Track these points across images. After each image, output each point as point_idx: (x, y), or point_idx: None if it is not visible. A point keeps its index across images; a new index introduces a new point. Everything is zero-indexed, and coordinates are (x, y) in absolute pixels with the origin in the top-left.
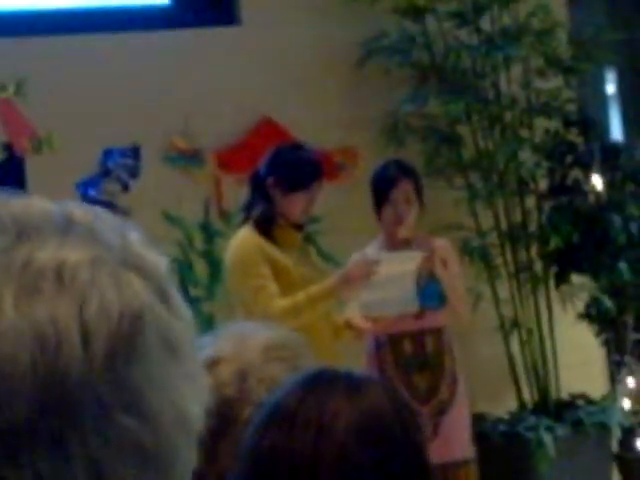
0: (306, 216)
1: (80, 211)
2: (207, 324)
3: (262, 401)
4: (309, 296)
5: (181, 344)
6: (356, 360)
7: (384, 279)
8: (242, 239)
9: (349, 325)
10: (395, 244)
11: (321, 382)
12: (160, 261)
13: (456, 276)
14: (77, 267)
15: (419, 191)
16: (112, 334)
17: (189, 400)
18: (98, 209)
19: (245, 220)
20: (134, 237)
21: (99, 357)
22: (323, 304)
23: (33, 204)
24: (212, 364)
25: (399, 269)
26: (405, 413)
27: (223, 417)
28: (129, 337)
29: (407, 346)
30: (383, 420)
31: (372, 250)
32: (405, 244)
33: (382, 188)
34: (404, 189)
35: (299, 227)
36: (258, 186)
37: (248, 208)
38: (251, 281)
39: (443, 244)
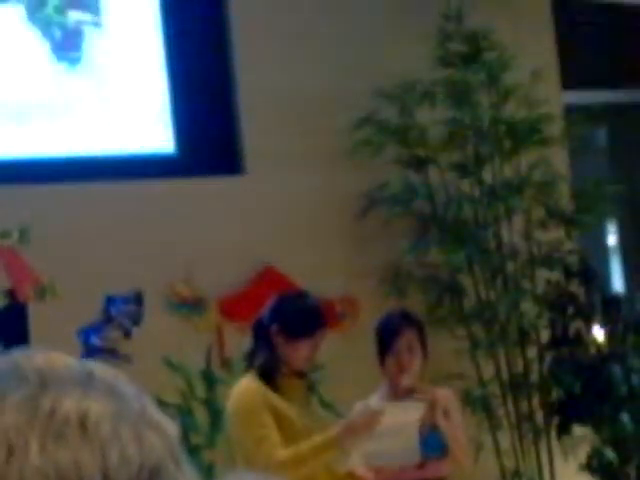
0: (310, 364)
1: (101, 368)
2: (207, 473)
3: None
4: (312, 446)
5: None
6: None
7: (387, 429)
8: (245, 387)
9: (352, 475)
10: (398, 393)
11: None
12: (171, 425)
13: (458, 426)
14: (100, 418)
15: (423, 341)
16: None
17: None
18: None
19: (248, 368)
20: (149, 401)
21: None
22: (326, 455)
23: (55, 358)
24: None
25: (402, 419)
26: None
27: None
28: None
29: None
30: None
31: (375, 400)
32: (408, 393)
33: (386, 337)
34: (407, 338)
35: (302, 375)
36: (261, 333)
37: (251, 356)
38: (254, 430)
39: (446, 394)
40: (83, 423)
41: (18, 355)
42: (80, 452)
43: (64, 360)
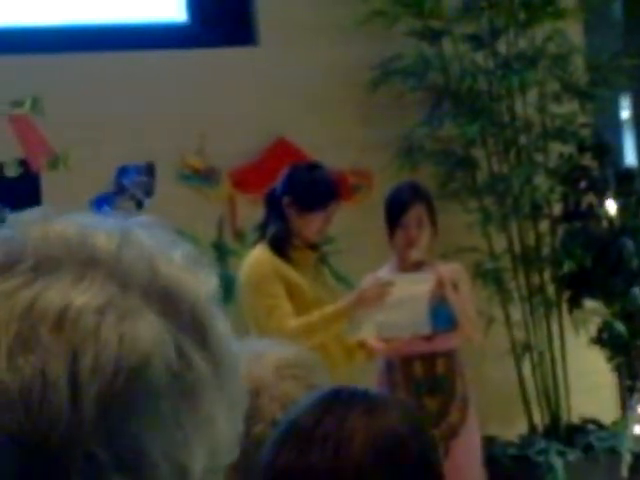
0: (322, 236)
1: (105, 239)
2: None
3: (275, 418)
4: (323, 316)
5: (201, 385)
6: (367, 381)
7: (397, 301)
8: (257, 258)
9: (362, 345)
10: (407, 267)
11: (339, 401)
12: (200, 287)
13: (467, 299)
14: (81, 312)
15: (432, 214)
16: (104, 392)
17: (195, 455)
18: (132, 227)
19: (260, 239)
20: (174, 256)
21: (89, 414)
22: (337, 324)
23: (53, 229)
24: None
25: (412, 291)
26: (422, 433)
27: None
28: (124, 396)
29: (418, 368)
30: (400, 439)
31: (384, 272)
32: (417, 267)
33: (395, 211)
34: (417, 212)
35: (314, 247)
36: (274, 205)
37: (263, 227)
38: (265, 300)
39: (455, 267)
40: (60, 320)
41: (18, 226)
42: (49, 356)
43: (63, 233)
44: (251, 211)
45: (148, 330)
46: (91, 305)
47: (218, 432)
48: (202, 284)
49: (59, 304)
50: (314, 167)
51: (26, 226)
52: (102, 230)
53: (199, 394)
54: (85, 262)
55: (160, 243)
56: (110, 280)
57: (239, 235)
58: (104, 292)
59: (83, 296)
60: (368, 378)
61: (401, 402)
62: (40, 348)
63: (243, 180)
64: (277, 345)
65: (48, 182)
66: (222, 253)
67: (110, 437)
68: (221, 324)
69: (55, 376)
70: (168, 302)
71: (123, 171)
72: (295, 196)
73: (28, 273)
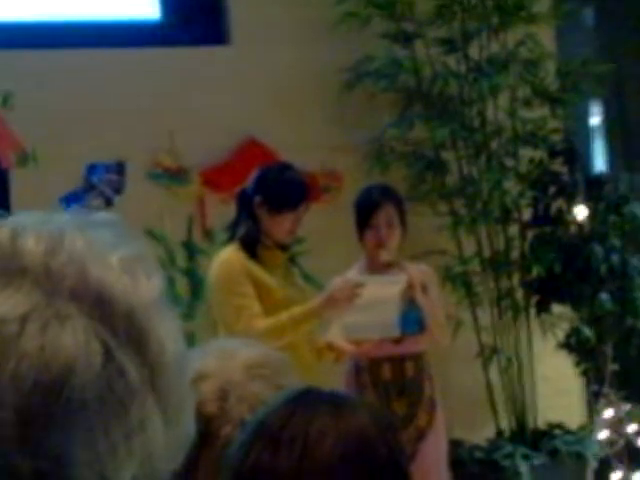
0: (292, 237)
1: (34, 244)
2: (187, 343)
3: (243, 419)
4: (292, 317)
5: (132, 392)
6: (335, 383)
7: (367, 302)
8: (226, 257)
9: (331, 347)
10: (377, 268)
11: (307, 401)
12: (139, 291)
13: (436, 302)
14: (3, 322)
15: (402, 215)
16: (24, 401)
17: (123, 464)
18: (65, 229)
19: (230, 239)
20: (110, 260)
21: (9, 426)
22: (306, 325)
23: None
24: (194, 380)
25: (382, 293)
26: (390, 435)
27: (203, 434)
28: (45, 403)
29: (386, 371)
30: (368, 441)
31: (354, 273)
32: (386, 268)
33: (365, 211)
34: (386, 213)
35: (284, 248)
36: (245, 205)
37: (234, 227)
38: (234, 300)
39: (424, 270)
40: None
41: None
42: None
43: None
44: (221, 210)
45: (72, 338)
46: (13, 314)
47: (152, 439)
48: (141, 288)
49: None
50: (285, 168)
51: None
52: (32, 235)
53: (130, 401)
54: (13, 268)
55: (97, 246)
56: (36, 287)
57: (208, 234)
58: (28, 300)
59: (5, 304)
60: (336, 380)
61: (369, 404)
62: None
63: (213, 179)
64: (246, 345)
65: (17, 179)
66: (191, 252)
67: (31, 449)
68: (164, 328)
69: None
70: (100, 307)
71: (92, 169)
72: (266, 197)
73: None
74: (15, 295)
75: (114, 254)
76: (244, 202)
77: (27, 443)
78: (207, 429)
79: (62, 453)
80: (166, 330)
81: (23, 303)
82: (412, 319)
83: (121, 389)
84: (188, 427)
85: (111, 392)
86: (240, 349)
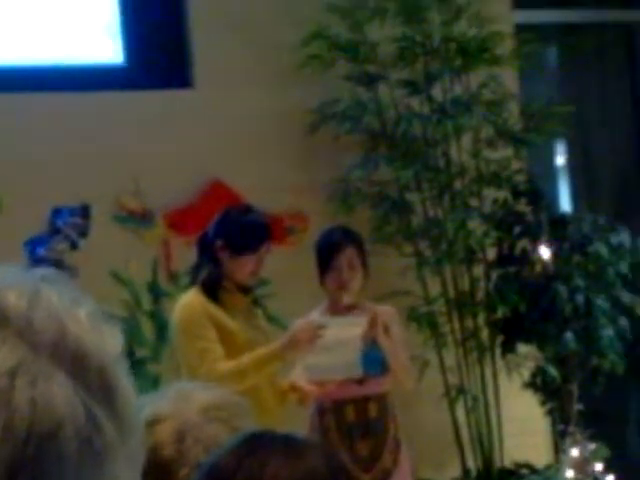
0: (254, 279)
1: (15, 298)
2: (153, 385)
3: (199, 461)
4: (254, 359)
5: (108, 448)
6: (299, 425)
7: (329, 343)
8: (188, 301)
9: (294, 388)
10: (339, 310)
11: (260, 444)
12: (106, 347)
13: (399, 343)
14: None
15: (363, 257)
16: (16, 457)
17: None
18: (41, 285)
19: (192, 282)
20: (81, 316)
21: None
22: (268, 367)
23: None
24: (151, 423)
25: (344, 334)
26: (341, 476)
27: (160, 477)
28: (35, 460)
29: (350, 412)
30: None
31: (316, 316)
32: (349, 310)
33: (326, 254)
34: (348, 256)
35: (246, 290)
36: (206, 248)
37: (195, 270)
38: (196, 343)
39: (387, 310)
40: None
41: None
42: None
43: None
44: (186, 253)
45: (60, 394)
46: (2, 368)
47: None
48: (108, 344)
49: None
50: (246, 210)
51: None
52: (13, 289)
53: (106, 457)
54: None
55: (67, 301)
56: (20, 341)
57: (173, 277)
58: (14, 354)
59: None
60: (300, 422)
61: (321, 445)
62: None
63: (178, 222)
64: (203, 388)
65: None
66: (156, 295)
67: None
68: (125, 383)
69: None
70: (77, 364)
71: (57, 212)
72: (226, 239)
73: None
74: (2, 348)
75: (81, 309)
76: (205, 245)
77: None
78: (165, 472)
79: None
80: (127, 386)
81: (10, 357)
82: (375, 360)
83: (99, 444)
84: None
85: (90, 447)
86: (197, 391)
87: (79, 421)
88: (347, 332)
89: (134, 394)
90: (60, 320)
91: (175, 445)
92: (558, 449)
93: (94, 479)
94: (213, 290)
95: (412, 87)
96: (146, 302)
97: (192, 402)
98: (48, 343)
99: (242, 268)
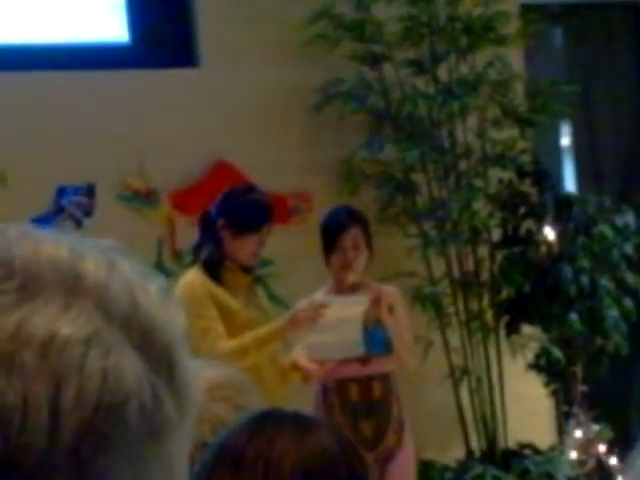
0: (255, 259)
1: (94, 267)
2: None
3: (205, 440)
4: (256, 338)
5: (169, 426)
6: (302, 405)
7: (331, 322)
8: (189, 280)
9: (295, 367)
10: (343, 290)
11: (269, 422)
12: (174, 323)
13: (403, 323)
14: (67, 343)
15: (368, 238)
16: (83, 424)
17: None
18: (116, 256)
19: (194, 261)
20: (151, 290)
21: (65, 445)
22: (270, 346)
23: (44, 250)
24: None
25: (346, 313)
26: (351, 455)
27: None
28: (101, 429)
29: (354, 392)
30: (329, 461)
31: (320, 295)
32: (353, 290)
33: (331, 234)
34: (353, 235)
35: (247, 270)
36: (208, 227)
37: (197, 249)
38: (198, 322)
39: (391, 290)
40: (45, 348)
41: (6, 236)
42: (32, 383)
43: (52, 253)
44: (190, 233)
45: (130, 367)
46: (77, 336)
47: (178, 470)
48: (174, 321)
49: (45, 331)
50: (248, 190)
51: (13, 240)
52: (91, 257)
53: (166, 435)
54: (73, 290)
55: (138, 274)
56: (97, 311)
57: (178, 257)
58: (91, 323)
59: (70, 326)
60: (302, 401)
61: (331, 423)
62: (24, 374)
63: (183, 202)
64: (207, 366)
65: None
66: (161, 274)
67: (79, 471)
68: (186, 362)
69: (37, 404)
70: (145, 338)
71: (62, 191)
72: (228, 219)
73: (14, 293)
74: (78, 317)
75: (152, 284)
76: (207, 224)
77: (78, 464)
78: None
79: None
80: (188, 365)
81: (86, 326)
82: (378, 339)
83: (160, 423)
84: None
85: (153, 426)
86: (201, 370)
87: (144, 396)
88: (349, 311)
89: (192, 374)
90: (133, 292)
91: None
92: (562, 430)
93: (154, 456)
94: (214, 269)
95: (417, 67)
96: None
97: (197, 381)
98: (121, 314)
99: (243, 248)
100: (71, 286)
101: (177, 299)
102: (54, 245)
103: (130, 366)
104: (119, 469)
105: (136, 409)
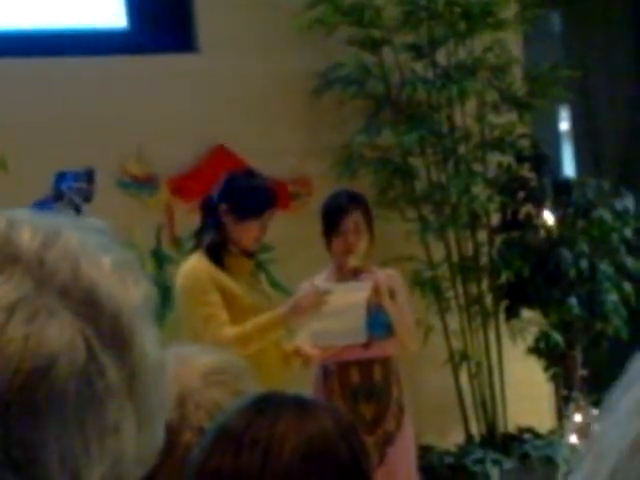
0: (258, 244)
1: (29, 236)
2: None
3: (202, 426)
4: (259, 325)
5: (110, 393)
6: (303, 388)
7: (334, 309)
8: (192, 266)
9: (298, 352)
10: (344, 274)
11: (269, 405)
12: (126, 296)
13: (404, 307)
14: None
15: (369, 221)
16: (3, 388)
17: (93, 463)
18: (61, 228)
19: (196, 246)
20: (103, 261)
21: None
22: (273, 333)
23: None
24: None
25: (349, 300)
26: (352, 437)
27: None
28: (24, 393)
29: (354, 375)
30: (330, 444)
31: (321, 279)
32: (354, 274)
33: (332, 218)
34: (354, 219)
35: (250, 255)
36: (210, 212)
37: (199, 234)
38: (201, 309)
39: (391, 273)
40: None
41: None
42: None
43: None
44: (189, 219)
45: (58, 331)
46: (3, 300)
47: (125, 441)
48: (129, 293)
49: None
50: (250, 175)
51: None
52: (29, 227)
53: (107, 401)
54: (6, 257)
55: (91, 247)
56: (27, 277)
57: (177, 243)
58: (19, 289)
59: None
60: (304, 385)
61: (331, 406)
62: None
63: (181, 187)
64: (203, 351)
65: None
66: (160, 261)
67: (3, 434)
68: (146, 336)
69: None
70: (88, 306)
71: (61, 177)
72: (231, 204)
73: None
74: (6, 284)
75: (107, 256)
76: (209, 209)
77: (2, 429)
78: (167, 436)
79: (36, 444)
80: (148, 337)
81: (13, 292)
82: (380, 323)
83: (100, 388)
84: (159, 435)
85: (90, 390)
86: (197, 355)
87: (77, 363)
88: (352, 298)
89: (154, 348)
90: (75, 262)
91: (177, 410)
92: (561, 414)
93: (94, 422)
94: (217, 254)
95: (416, 51)
96: (149, 267)
97: (192, 366)
98: (57, 282)
99: (245, 233)
100: (4, 254)
101: (137, 272)
102: None
103: (59, 329)
104: (49, 435)
105: (67, 373)
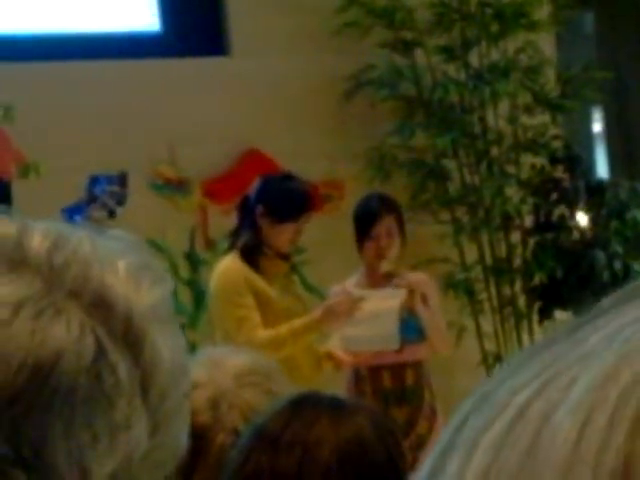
0: (293, 247)
1: (39, 240)
2: (190, 353)
3: (235, 427)
4: (292, 329)
5: (120, 391)
6: (335, 391)
7: (367, 315)
8: (227, 267)
9: (330, 356)
10: (376, 278)
11: (307, 406)
12: (139, 298)
13: (436, 311)
14: None
15: (401, 226)
16: (7, 382)
17: (102, 458)
18: (72, 232)
19: (231, 247)
20: (116, 264)
21: None
22: (305, 338)
23: None
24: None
25: (382, 306)
26: (389, 439)
27: (197, 444)
28: (29, 387)
29: (386, 379)
30: (366, 445)
31: (351, 284)
32: (386, 278)
33: (364, 222)
34: (386, 224)
35: (285, 257)
36: (246, 213)
37: (234, 235)
38: (235, 311)
39: (423, 278)
40: None
41: None
42: None
43: (4, 232)
44: (222, 221)
45: (65, 328)
46: (9, 299)
47: (135, 439)
48: (143, 295)
49: None
50: (288, 178)
51: None
52: (40, 232)
53: (117, 397)
54: (16, 260)
55: (103, 251)
56: (37, 278)
57: (210, 245)
58: (28, 288)
59: (5, 288)
60: (336, 388)
61: (368, 408)
62: None
63: (214, 190)
64: (235, 353)
65: (19, 190)
66: (194, 263)
67: (11, 431)
68: (161, 336)
69: None
70: (98, 307)
71: (95, 180)
72: (268, 206)
73: None
74: (15, 282)
75: (121, 259)
76: (246, 210)
77: (8, 424)
78: (201, 438)
79: (42, 438)
80: (164, 338)
81: (21, 290)
82: (412, 327)
83: (109, 385)
84: (179, 438)
85: (99, 386)
86: (228, 357)
87: (85, 359)
88: (385, 304)
89: (173, 349)
90: (86, 264)
91: (210, 412)
92: None
93: (103, 417)
94: (252, 256)
95: (449, 53)
96: (183, 270)
97: (225, 368)
98: (67, 283)
99: (281, 236)
100: (15, 257)
101: (156, 276)
102: (5, 223)
103: (65, 327)
104: (56, 430)
105: (73, 369)
